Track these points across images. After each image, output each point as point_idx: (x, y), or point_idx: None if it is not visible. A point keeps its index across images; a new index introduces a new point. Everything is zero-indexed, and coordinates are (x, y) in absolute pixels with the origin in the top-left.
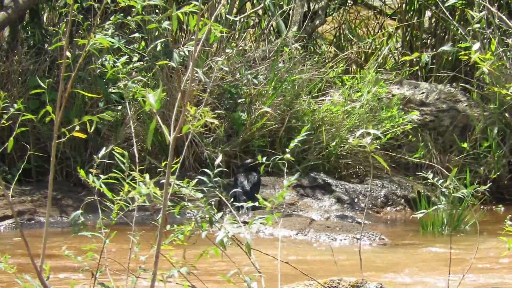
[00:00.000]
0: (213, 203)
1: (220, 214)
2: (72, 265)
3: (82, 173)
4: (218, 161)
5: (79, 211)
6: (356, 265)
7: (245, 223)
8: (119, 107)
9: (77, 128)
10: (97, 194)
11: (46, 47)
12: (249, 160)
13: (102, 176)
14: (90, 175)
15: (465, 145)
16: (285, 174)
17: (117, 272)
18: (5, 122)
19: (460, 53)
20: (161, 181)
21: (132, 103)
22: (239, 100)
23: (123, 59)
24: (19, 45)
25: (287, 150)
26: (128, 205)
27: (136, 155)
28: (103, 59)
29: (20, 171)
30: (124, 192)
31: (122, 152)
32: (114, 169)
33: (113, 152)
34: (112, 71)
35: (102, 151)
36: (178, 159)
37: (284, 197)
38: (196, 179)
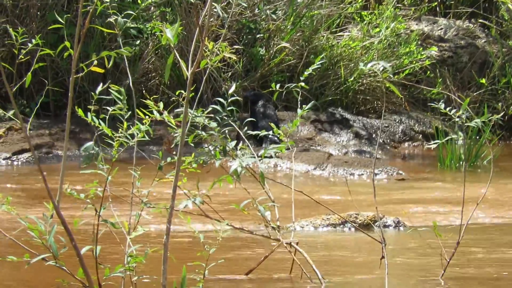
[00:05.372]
0: (228, 134)
1: (233, 143)
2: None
3: (80, 112)
4: (231, 90)
5: (92, 142)
6: (373, 199)
7: (262, 156)
8: (137, 42)
9: (95, 62)
10: (97, 130)
11: None
12: (252, 92)
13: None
14: (89, 113)
15: (483, 81)
16: (299, 102)
17: (124, 205)
18: (22, 57)
19: None
20: (175, 111)
21: (150, 37)
22: (258, 36)
23: None
24: None
25: (301, 78)
26: (127, 141)
27: (133, 89)
28: None
29: (38, 105)
30: (123, 129)
31: (118, 89)
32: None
33: (109, 89)
34: (102, 6)
35: (99, 88)
36: (193, 90)
37: (301, 130)
38: (210, 108)
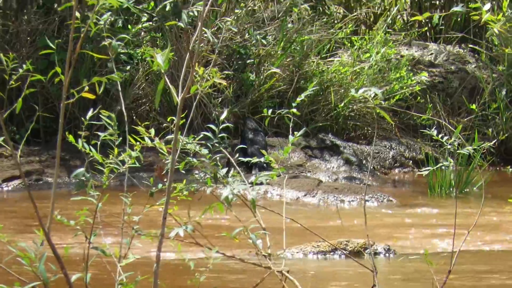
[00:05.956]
0: (219, 161)
1: (224, 170)
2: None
3: (71, 138)
4: (223, 116)
5: (82, 169)
6: (364, 226)
7: (253, 183)
8: (128, 67)
9: (86, 88)
10: (88, 157)
11: (55, 6)
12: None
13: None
14: (79, 139)
15: (473, 106)
16: (290, 129)
17: (114, 233)
18: (13, 83)
19: (471, 13)
20: (166, 137)
21: (141, 63)
22: (248, 61)
23: (106, 15)
24: (29, 5)
25: (293, 104)
26: (118, 167)
27: (125, 114)
28: (111, 18)
29: (29, 131)
30: (113, 155)
31: (109, 115)
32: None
33: (100, 114)
34: (96, 28)
35: (90, 113)
36: (184, 116)
37: (291, 157)
38: (202, 135)
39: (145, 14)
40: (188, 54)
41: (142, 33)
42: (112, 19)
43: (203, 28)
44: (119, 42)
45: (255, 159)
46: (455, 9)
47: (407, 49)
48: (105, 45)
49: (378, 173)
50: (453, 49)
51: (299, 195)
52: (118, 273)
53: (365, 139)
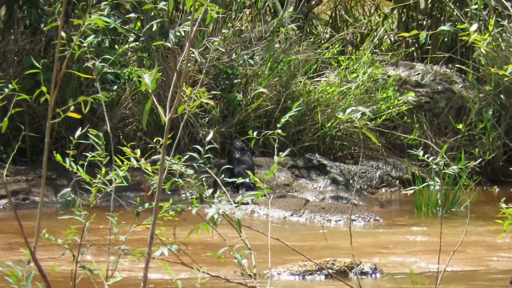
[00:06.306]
0: (205, 181)
1: (210, 190)
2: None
3: (58, 157)
4: (209, 137)
5: (69, 189)
6: (351, 246)
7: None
8: (115, 87)
9: (72, 108)
10: (75, 176)
11: (42, 26)
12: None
13: (82, 157)
14: (67, 158)
15: (460, 126)
16: (275, 149)
17: (102, 252)
18: None
19: (460, 34)
20: (152, 157)
21: (128, 83)
22: (235, 81)
23: (90, 38)
24: (15, 25)
25: (278, 125)
26: (105, 187)
27: (111, 134)
28: (98, 39)
29: (15, 151)
30: (101, 174)
31: (96, 134)
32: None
33: (88, 133)
34: (80, 51)
35: (78, 132)
36: (171, 136)
37: (277, 176)
38: (187, 155)
39: (132, 34)
40: (175, 74)
41: (129, 53)
42: (98, 39)
43: (191, 48)
44: (102, 64)
45: (240, 180)
46: (442, 27)
47: (394, 69)
48: (91, 65)
49: (365, 193)
50: (440, 69)
51: (286, 214)
52: None
53: (352, 158)
